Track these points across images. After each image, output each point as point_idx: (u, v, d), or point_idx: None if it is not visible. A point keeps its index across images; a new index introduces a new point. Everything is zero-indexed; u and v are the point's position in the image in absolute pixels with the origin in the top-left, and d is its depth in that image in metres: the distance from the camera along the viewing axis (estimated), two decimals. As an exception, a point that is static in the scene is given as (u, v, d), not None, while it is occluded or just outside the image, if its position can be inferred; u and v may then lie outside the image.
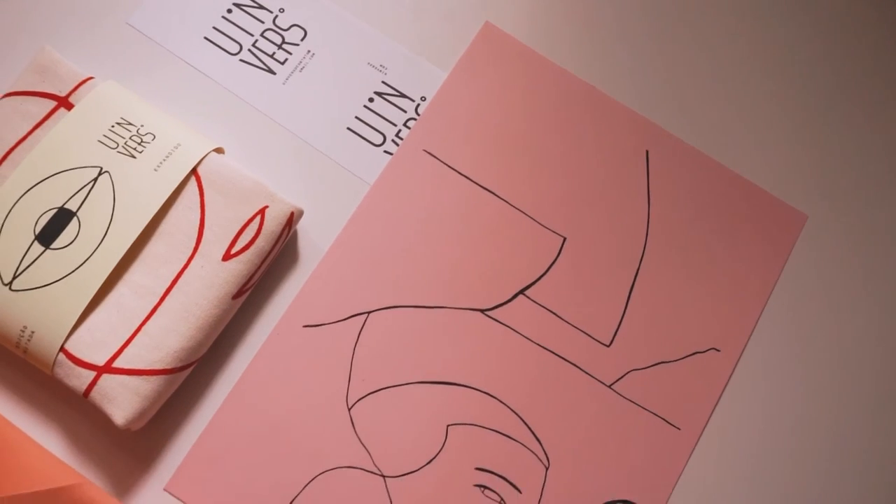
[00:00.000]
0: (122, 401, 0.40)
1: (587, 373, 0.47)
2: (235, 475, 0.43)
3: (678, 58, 0.52)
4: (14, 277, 0.42)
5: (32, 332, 0.41)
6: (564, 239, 0.49)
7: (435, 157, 0.49)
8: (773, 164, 0.51)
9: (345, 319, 0.46)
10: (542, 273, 0.48)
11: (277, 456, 0.44)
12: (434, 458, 0.44)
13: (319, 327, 0.46)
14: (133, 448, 0.43)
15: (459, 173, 0.49)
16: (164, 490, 0.43)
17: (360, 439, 0.44)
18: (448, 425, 0.45)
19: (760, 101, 0.52)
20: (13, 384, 0.43)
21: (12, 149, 0.44)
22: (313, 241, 0.47)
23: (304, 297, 0.46)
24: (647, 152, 0.51)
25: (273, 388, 0.45)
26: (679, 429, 0.46)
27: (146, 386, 0.41)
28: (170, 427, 0.44)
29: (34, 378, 0.44)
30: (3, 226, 0.42)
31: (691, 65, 0.52)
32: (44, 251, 0.42)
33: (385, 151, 0.49)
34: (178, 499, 0.43)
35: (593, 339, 0.47)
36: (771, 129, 0.52)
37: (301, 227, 0.47)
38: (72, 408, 0.43)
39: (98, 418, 0.43)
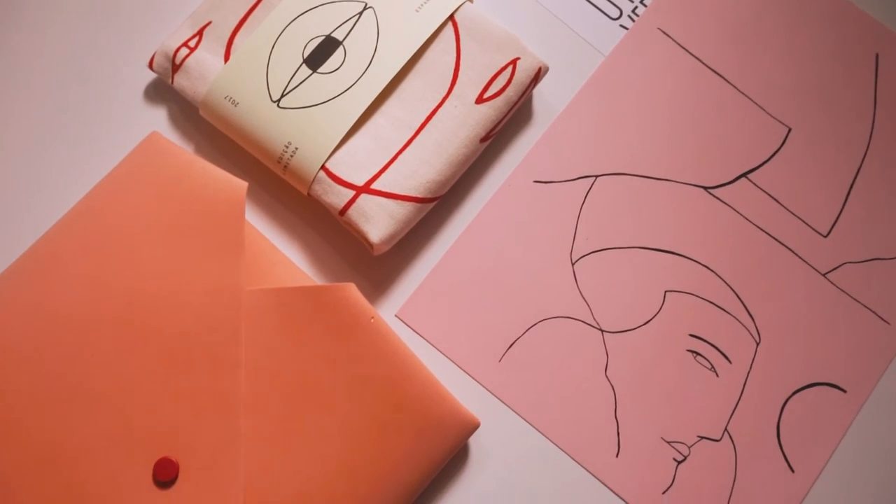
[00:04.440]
0: (378, 220, 0.42)
1: (803, 259, 0.47)
2: (461, 311, 0.45)
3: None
4: (282, 96, 0.44)
5: (296, 149, 0.43)
6: (789, 129, 0.49)
7: (669, 35, 0.50)
8: None
9: (573, 180, 0.47)
10: (765, 159, 0.49)
11: (502, 298, 0.45)
12: (651, 319, 0.46)
13: (549, 184, 0.47)
14: (370, 274, 0.45)
15: (691, 54, 0.50)
16: (395, 316, 0.45)
17: (581, 293, 0.46)
18: (666, 291, 0.46)
19: None
20: (266, 205, 0.46)
21: (281, -22, 0.46)
22: (547, 102, 0.48)
23: (537, 153, 0.48)
24: (876, 55, 0.51)
25: (502, 234, 0.46)
26: (889, 323, 0.47)
27: (399, 210, 0.43)
28: (405, 258, 0.46)
29: (283, 201, 0.46)
30: (273, 48, 0.44)
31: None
32: (311, 74, 0.44)
33: (621, 26, 0.50)
34: (408, 325, 0.45)
35: (812, 228, 0.48)
36: None
37: (536, 87, 0.48)
38: (317, 232, 0.45)
39: (340, 244, 0.45)
